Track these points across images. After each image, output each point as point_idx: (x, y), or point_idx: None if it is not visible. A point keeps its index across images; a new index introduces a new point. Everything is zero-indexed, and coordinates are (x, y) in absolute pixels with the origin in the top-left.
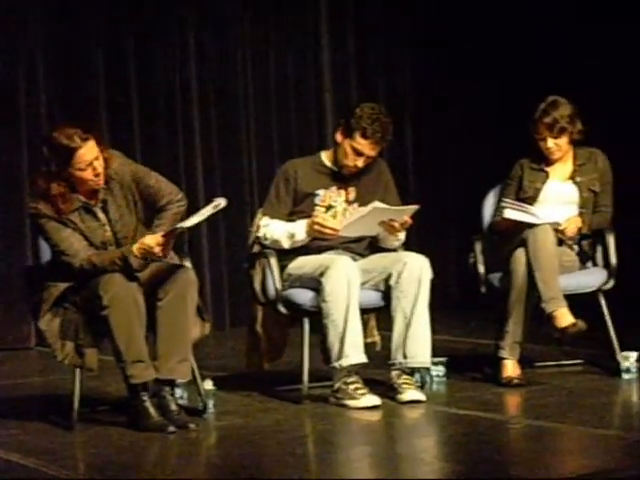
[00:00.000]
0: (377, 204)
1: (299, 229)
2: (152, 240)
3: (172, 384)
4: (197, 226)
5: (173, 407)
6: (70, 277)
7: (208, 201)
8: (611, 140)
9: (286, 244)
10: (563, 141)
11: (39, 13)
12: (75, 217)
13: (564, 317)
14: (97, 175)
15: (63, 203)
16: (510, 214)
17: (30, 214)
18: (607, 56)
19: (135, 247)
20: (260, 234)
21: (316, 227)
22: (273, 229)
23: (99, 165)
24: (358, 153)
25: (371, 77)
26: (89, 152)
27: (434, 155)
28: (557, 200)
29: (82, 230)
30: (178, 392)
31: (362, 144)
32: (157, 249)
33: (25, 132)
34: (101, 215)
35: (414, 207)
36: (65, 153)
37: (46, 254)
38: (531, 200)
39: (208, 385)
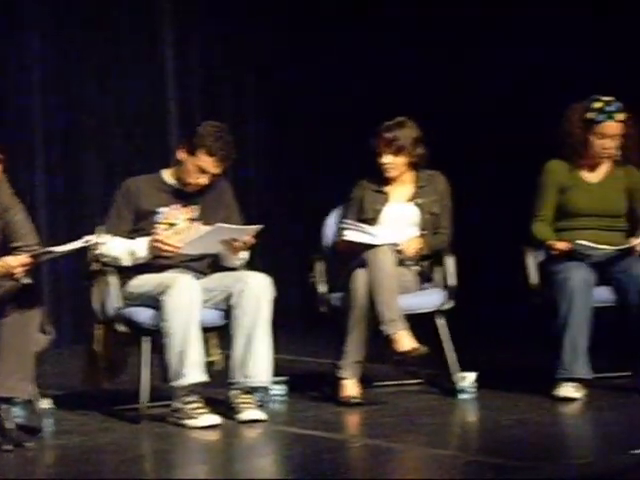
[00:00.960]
0: (220, 223)
1: (140, 246)
2: (16, 261)
3: (9, 402)
4: (61, 257)
5: (9, 426)
6: None
7: (48, 216)
8: (452, 163)
9: (127, 261)
10: (400, 160)
11: None
12: None
13: (404, 340)
14: None
15: None
16: (350, 235)
17: None
18: (458, 82)
19: None
20: (100, 251)
21: (157, 244)
22: (113, 246)
23: None
24: (202, 171)
25: (215, 97)
26: None
27: (277, 174)
28: (396, 221)
29: None
30: (16, 410)
31: (206, 162)
32: (18, 269)
33: None
34: None
35: (256, 227)
36: None
37: None
38: (372, 221)
39: (46, 404)
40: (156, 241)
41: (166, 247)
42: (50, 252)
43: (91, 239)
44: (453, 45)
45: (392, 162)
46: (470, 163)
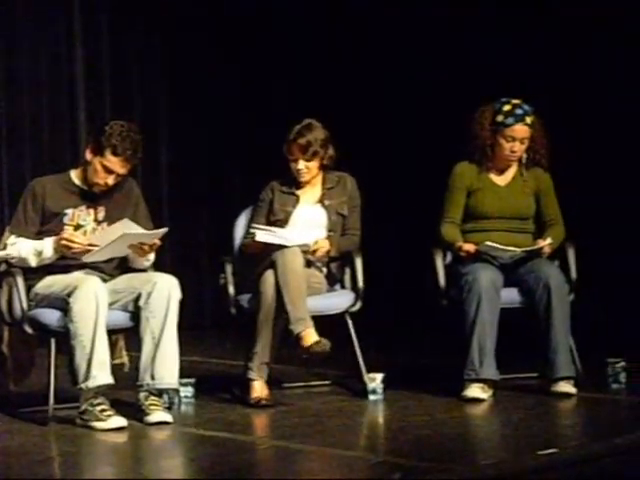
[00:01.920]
0: (126, 226)
1: (46, 246)
2: None
3: None
4: None
5: None
6: None
7: None
8: (363, 165)
9: (33, 262)
10: (314, 164)
11: None
12: None
13: (309, 336)
14: None
15: None
16: (261, 237)
17: None
18: (364, 79)
19: None
20: (5, 253)
21: (63, 242)
22: (20, 247)
23: None
24: (108, 171)
25: (126, 94)
26: None
27: (188, 175)
28: (307, 223)
29: None
30: None
31: (112, 162)
32: None
33: None
34: None
35: (163, 230)
36: None
37: None
38: (282, 223)
39: None
40: (62, 239)
41: (73, 245)
42: None
43: (10, 253)
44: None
45: (306, 167)
46: (378, 165)
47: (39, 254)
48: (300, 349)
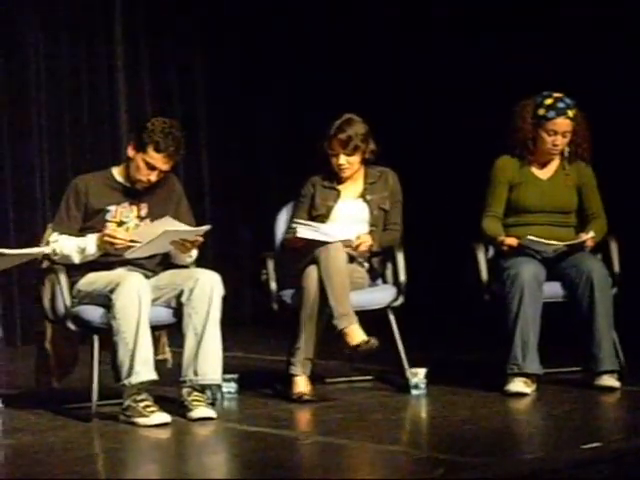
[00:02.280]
0: (168, 223)
1: (89, 243)
2: None
3: None
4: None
5: None
6: None
7: None
8: (403, 160)
9: (76, 259)
10: (355, 159)
11: None
12: None
13: (356, 334)
14: None
15: None
16: (302, 233)
17: None
18: (404, 75)
19: None
20: (49, 250)
21: (106, 239)
22: (63, 244)
23: None
24: (151, 167)
25: (166, 92)
26: None
27: (229, 171)
28: (348, 218)
29: None
30: None
31: (155, 158)
32: None
33: None
34: None
35: (205, 227)
36: None
37: None
38: (323, 218)
39: None
40: (105, 235)
41: (115, 241)
42: (2, 254)
43: (45, 250)
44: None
45: (348, 162)
46: (419, 159)
47: (82, 251)
48: (345, 346)
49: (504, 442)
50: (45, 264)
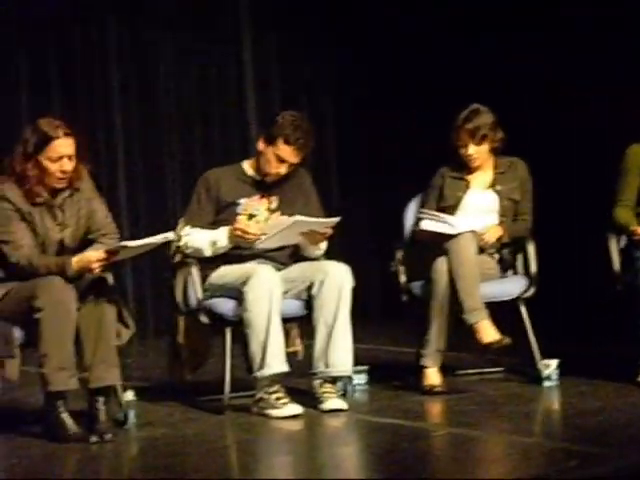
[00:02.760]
0: (298, 217)
1: (221, 236)
2: (93, 256)
3: (105, 394)
4: (138, 253)
5: (102, 418)
6: (4, 280)
7: (129, 211)
8: (532, 149)
9: (208, 252)
10: (484, 149)
11: None
12: (36, 212)
13: (487, 332)
14: (63, 172)
15: (37, 184)
16: (427, 225)
17: None
18: (531, 66)
19: (74, 259)
20: (182, 243)
21: (238, 232)
22: (195, 238)
23: (68, 164)
24: (281, 160)
25: (295, 85)
26: (64, 146)
27: (357, 163)
28: (478, 209)
29: (37, 227)
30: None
31: (285, 151)
32: (95, 265)
33: None
34: (59, 215)
35: (335, 219)
36: (42, 139)
37: None
38: (452, 209)
39: (129, 396)
40: (237, 229)
41: (247, 235)
42: (125, 247)
43: (169, 236)
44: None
45: (476, 152)
46: (550, 149)
47: (214, 244)
48: (477, 342)
49: (638, 433)
50: (177, 258)
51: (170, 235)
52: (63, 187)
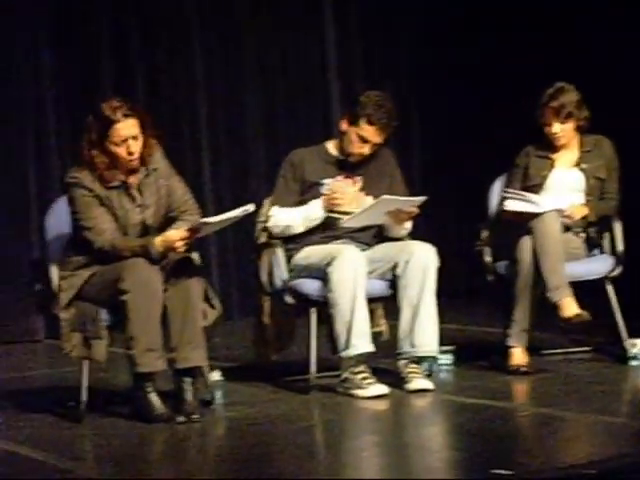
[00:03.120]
0: (385, 196)
1: (314, 207)
2: (175, 235)
3: (192, 374)
4: (220, 229)
5: (189, 398)
6: (89, 265)
7: (214, 192)
8: (618, 127)
9: (300, 227)
10: (569, 127)
11: (46, 20)
12: (113, 195)
13: (569, 307)
14: (130, 154)
15: (106, 170)
16: (511, 205)
17: (67, 183)
18: (618, 45)
19: (158, 239)
20: (270, 224)
21: (336, 195)
22: (284, 217)
23: (134, 145)
24: (364, 140)
25: (377, 66)
26: (126, 129)
27: (441, 142)
28: (563, 187)
29: (116, 210)
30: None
31: (368, 131)
32: (179, 244)
33: (33, 125)
34: (138, 197)
35: (421, 198)
36: (104, 124)
37: (55, 245)
38: (537, 188)
39: (216, 376)
40: (332, 195)
41: (341, 201)
42: (207, 223)
43: (249, 208)
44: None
45: (562, 130)
46: (634, 127)
47: (307, 217)
48: (558, 318)
49: None
50: (262, 239)
51: (250, 207)
52: (137, 168)
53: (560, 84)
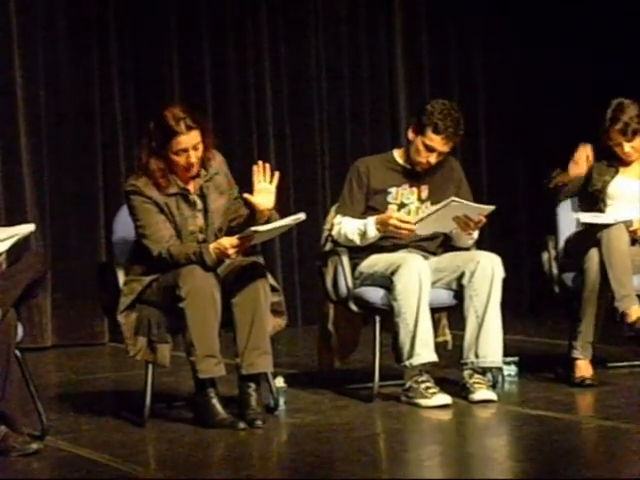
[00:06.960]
0: (455, 198)
1: (369, 226)
2: (227, 241)
3: (257, 380)
4: (273, 237)
5: (253, 404)
6: (151, 271)
7: (280, 199)
8: None
9: (357, 241)
10: (638, 142)
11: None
12: (172, 202)
13: (635, 312)
14: (189, 164)
15: (162, 178)
16: (584, 217)
17: (125, 191)
18: None
19: (212, 246)
20: (334, 232)
21: (392, 226)
22: (347, 227)
23: (194, 156)
24: (430, 149)
25: (445, 75)
26: (188, 141)
27: (507, 153)
28: (624, 196)
29: (175, 217)
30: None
31: (434, 140)
32: (231, 251)
33: (100, 137)
34: (199, 203)
35: (490, 207)
36: (166, 133)
37: (121, 249)
38: (599, 193)
39: (279, 382)
40: (390, 224)
41: (401, 231)
42: (258, 232)
43: (301, 217)
44: None
45: (632, 147)
46: None
47: (363, 234)
48: (625, 326)
49: None
50: (328, 246)
51: (302, 216)
52: (196, 175)
53: (617, 101)
